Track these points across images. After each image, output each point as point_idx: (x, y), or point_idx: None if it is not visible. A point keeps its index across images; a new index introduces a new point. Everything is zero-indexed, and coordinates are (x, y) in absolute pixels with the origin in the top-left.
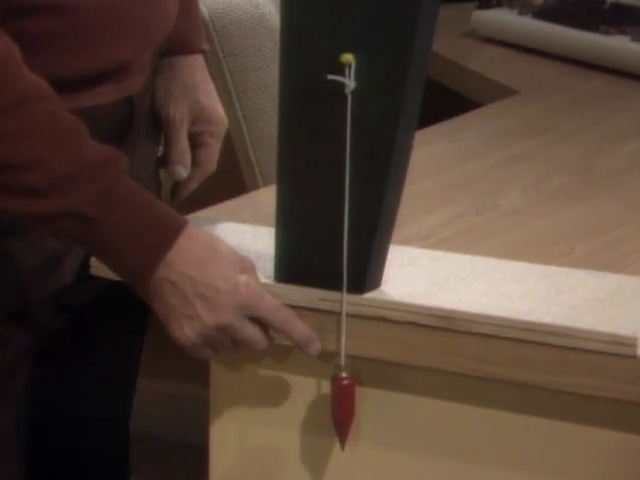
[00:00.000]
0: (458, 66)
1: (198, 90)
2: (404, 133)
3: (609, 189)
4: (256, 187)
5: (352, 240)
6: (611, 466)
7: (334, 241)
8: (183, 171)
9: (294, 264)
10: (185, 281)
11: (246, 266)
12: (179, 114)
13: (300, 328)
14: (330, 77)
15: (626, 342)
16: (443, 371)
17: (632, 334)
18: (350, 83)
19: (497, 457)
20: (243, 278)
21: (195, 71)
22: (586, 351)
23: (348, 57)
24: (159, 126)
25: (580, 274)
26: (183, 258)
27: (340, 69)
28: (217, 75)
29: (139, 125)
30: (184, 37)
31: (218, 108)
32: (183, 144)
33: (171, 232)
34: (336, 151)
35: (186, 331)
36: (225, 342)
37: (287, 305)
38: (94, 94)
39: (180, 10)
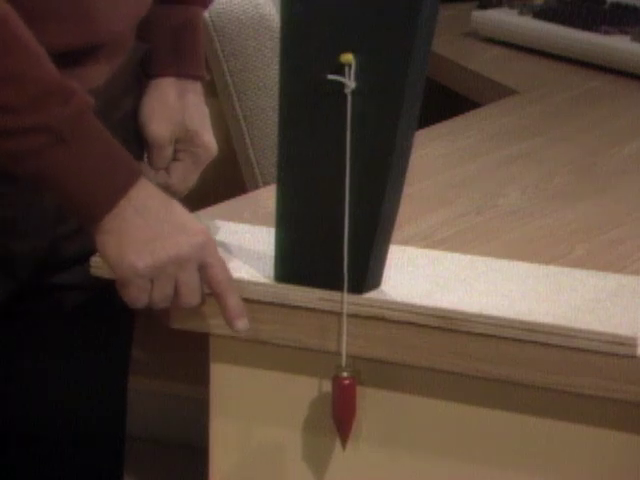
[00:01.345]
0: (458, 66)
1: (185, 112)
2: (404, 133)
3: (609, 189)
4: (256, 187)
5: (352, 240)
6: (611, 466)
7: (334, 241)
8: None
9: (294, 264)
10: (151, 210)
11: None
12: (160, 133)
13: (238, 297)
14: (330, 77)
15: (626, 342)
16: (443, 371)
17: (632, 334)
18: (350, 83)
19: (497, 457)
20: (204, 226)
21: (185, 95)
22: (586, 351)
23: (348, 57)
24: (142, 144)
25: (580, 274)
26: (148, 192)
27: (340, 69)
28: (217, 75)
29: None
30: (174, 60)
31: (205, 134)
32: (163, 164)
33: (137, 169)
34: (336, 151)
35: (144, 255)
36: (168, 285)
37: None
38: None
39: (174, 30)
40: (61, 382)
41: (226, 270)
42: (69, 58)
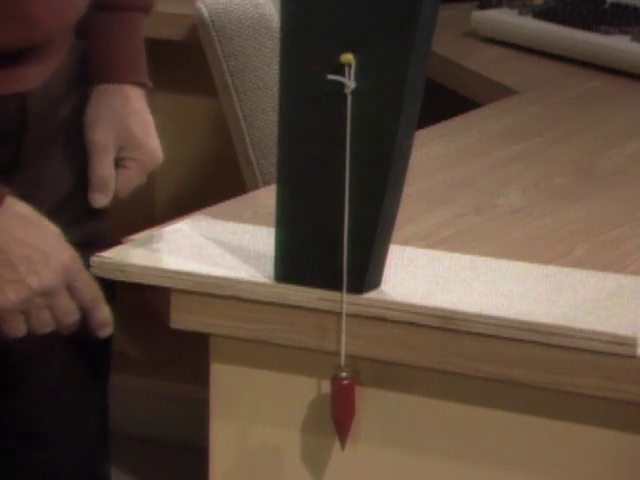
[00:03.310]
0: (458, 66)
1: (130, 119)
2: (404, 133)
3: (609, 189)
4: (256, 187)
5: (352, 240)
6: (611, 466)
7: (334, 241)
8: (102, 199)
9: (294, 264)
10: (11, 243)
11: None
12: (104, 138)
13: (105, 311)
14: (330, 77)
15: (626, 342)
16: (443, 371)
17: (632, 334)
18: (350, 83)
19: (497, 457)
20: (68, 246)
21: (128, 101)
22: (586, 351)
23: (348, 57)
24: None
25: (580, 274)
26: (11, 219)
27: (340, 69)
28: (217, 75)
29: (37, 132)
30: (119, 66)
31: (150, 141)
32: (105, 170)
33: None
34: (336, 151)
35: (9, 295)
36: (42, 313)
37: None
38: None
39: (118, 37)
40: (44, 377)
41: (93, 286)
42: (6, 58)
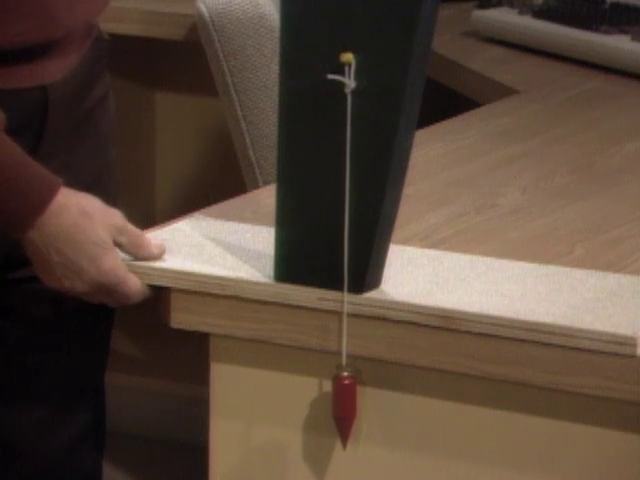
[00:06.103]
0: (458, 66)
1: None
2: (404, 133)
3: (609, 189)
4: (256, 187)
5: (352, 240)
6: (611, 466)
7: (334, 241)
8: None
9: (294, 264)
10: (50, 248)
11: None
12: None
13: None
14: (330, 77)
15: (626, 342)
16: (443, 371)
17: (632, 334)
18: (350, 83)
19: (497, 457)
20: (110, 256)
21: None
22: (586, 351)
23: (348, 57)
24: (113, 134)
25: (580, 274)
26: (59, 220)
27: (340, 68)
28: (217, 75)
29: (58, 123)
30: None
31: None
32: None
33: (44, 195)
34: (336, 151)
35: (48, 282)
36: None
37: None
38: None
39: None
40: (39, 375)
41: (131, 296)
42: (27, 53)
